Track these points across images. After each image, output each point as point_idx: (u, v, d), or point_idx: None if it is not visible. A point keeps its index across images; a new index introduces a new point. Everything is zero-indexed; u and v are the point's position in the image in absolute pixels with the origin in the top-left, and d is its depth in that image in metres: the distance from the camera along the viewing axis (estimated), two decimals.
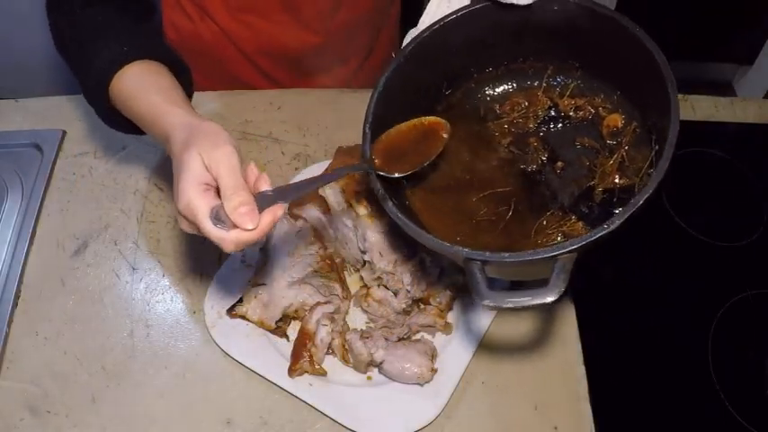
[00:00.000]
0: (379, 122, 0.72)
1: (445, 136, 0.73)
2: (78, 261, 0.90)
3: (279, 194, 0.60)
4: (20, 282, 0.88)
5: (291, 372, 0.78)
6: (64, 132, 1.03)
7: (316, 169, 0.94)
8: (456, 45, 0.77)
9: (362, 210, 0.79)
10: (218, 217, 0.57)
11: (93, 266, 0.90)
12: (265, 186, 0.61)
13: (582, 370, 0.81)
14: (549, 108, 0.79)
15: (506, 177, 0.77)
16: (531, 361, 0.82)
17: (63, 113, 1.05)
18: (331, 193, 0.82)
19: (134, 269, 0.90)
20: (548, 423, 0.78)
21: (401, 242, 0.80)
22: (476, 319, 0.82)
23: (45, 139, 1.01)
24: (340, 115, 1.05)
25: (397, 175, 0.70)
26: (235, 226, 0.57)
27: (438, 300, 0.82)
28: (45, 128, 1.03)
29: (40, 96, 1.09)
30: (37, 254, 0.91)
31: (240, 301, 0.82)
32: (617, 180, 0.73)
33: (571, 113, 0.79)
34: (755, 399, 0.81)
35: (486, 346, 0.82)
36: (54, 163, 0.99)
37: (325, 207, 0.85)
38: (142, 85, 0.71)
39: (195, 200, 0.58)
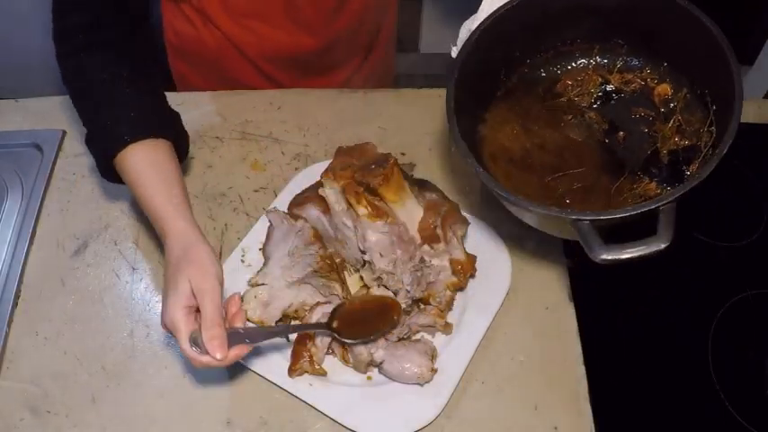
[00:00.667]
0: (459, 109, 0.77)
1: (396, 318, 0.79)
2: (78, 261, 0.90)
3: (248, 334, 0.71)
4: (20, 282, 0.88)
5: (291, 372, 0.78)
6: (64, 132, 1.03)
7: (316, 169, 0.94)
8: (512, 32, 0.82)
9: (362, 210, 0.79)
10: (195, 341, 0.68)
11: (93, 266, 0.90)
12: (239, 323, 0.71)
13: (582, 370, 0.81)
14: (602, 84, 0.86)
15: (575, 151, 0.83)
16: (531, 361, 0.82)
17: (63, 113, 1.05)
18: (331, 192, 0.82)
19: (134, 269, 0.90)
20: (548, 423, 0.78)
21: (401, 242, 0.80)
22: (476, 319, 0.82)
23: (45, 139, 1.01)
24: (340, 115, 1.05)
25: (347, 340, 0.77)
26: (207, 350, 0.67)
27: (438, 300, 0.82)
28: (45, 128, 1.04)
29: (40, 96, 1.09)
30: (37, 254, 0.91)
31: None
32: (678, 141, 0.80)
33: (623, 87, 0.85)
34: (755, 399, 0.81)
35: (486, 346, 0.82)
36: (54, 163, 0.99)
37: (325, 207, 0.85)
38: (146, 176, 0.78)
39: (179, 322, 0.69)
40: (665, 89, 0.83)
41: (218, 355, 0.67)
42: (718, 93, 0.74)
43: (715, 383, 0.81)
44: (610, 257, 0.65)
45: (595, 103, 0.86)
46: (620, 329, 0.86)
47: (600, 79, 0.86)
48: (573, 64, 0.88)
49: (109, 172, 0.82)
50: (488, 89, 0.87)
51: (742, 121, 1.12)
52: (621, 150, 0.82)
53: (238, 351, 0.69)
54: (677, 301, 0.88)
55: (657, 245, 0.64)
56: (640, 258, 0.65)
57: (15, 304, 0.86)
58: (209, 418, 0.78)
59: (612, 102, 0.86)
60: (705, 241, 0.94)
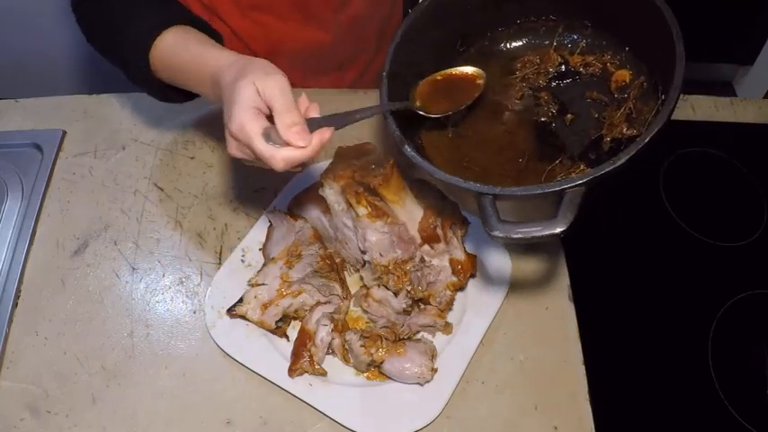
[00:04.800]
0: (395, 75, 0.77)
1: (480, 82, 0.79)
2: (78, 261, 0.90)
3: (327, 120, 0.65)
4: (20, 282, 0.88)
5: (291, 372, 0.78)
6: (64, 132, 1.03)
7: (316, 169, 0.94)
8: (471, 3, 0.81)
9: (362, 210, 0.79)
10: (270, 138, 0.61)
11: (93, 266, 0.90)
12: (314, 114, 0.65)
13: (582, 370, 0.81)
14: (560, 65, 0.84)
15: (518, 129, 0.82)
16: (531, 361, 0.82)
17: (63, 113, 1.05)
18: (331, 192, 0.82)
19: (134, 269, 0.90)
20: (548, 423, 0.78)
21: (401, 242, 0.80)
22: (476, 319, 0.82)
23: (45, 139, 1.01)
24: None
25: (434, 114, 0.77)
26: (287, 145, 0.61)
27: (438, 300, 0.82)
28: (45, 128, 1.03)
29: (40, 96, 1.09)
30: (37, 254, 0.91)
31: (240, 301, 0.82)
32: (624, 130, 0.77)
33: (581, 69, 0.83)
34: (755, 399, 0.81)
35: (487, 346, 0.82)
36: (54, 163, 0.99)
37: (325, 207, 0.85)
38: (183, 42, 0.74)
39: (249, 122, 0.62)
40: (623, 75, 0.81)
41: (301, 142, 0.61)
42: (668, 83, 0.72)
43: (715, 383, 0.81)
44: (502, 235, 0.63)
45: (551, 82, 0.84)
46: (620, 329, 0.86)
47: (560, 59, 0.85)
48: (535, 41, 0.86)
49: (159, 87, 0.79)
50: (440, 60, 0.84)
51: (741, 121, 1.12)
52: (566, 133, 0.80)
53: (320, 137, 0.63)
54: (677, 301, 0.88)
55: (553, 228, 0.62)
56: (534, 240, 0.63)
57: (15, 304, 0.86)
58: (209, 418, 0.78)
59: (568, 83, 0.83)
60: (705, 241, 0.94)
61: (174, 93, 0.82)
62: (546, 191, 0.64)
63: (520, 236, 0.62)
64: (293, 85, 1.12)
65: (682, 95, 1.08)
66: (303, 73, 1.11)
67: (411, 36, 0.78)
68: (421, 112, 0.76)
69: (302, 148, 0.62)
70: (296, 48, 1.06)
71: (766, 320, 0.87)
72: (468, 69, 0.81)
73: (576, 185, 0.63)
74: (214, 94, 0.70)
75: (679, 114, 1.08)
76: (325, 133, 0.64)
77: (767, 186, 1.00)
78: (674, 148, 1.03)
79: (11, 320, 0.85)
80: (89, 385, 0.80)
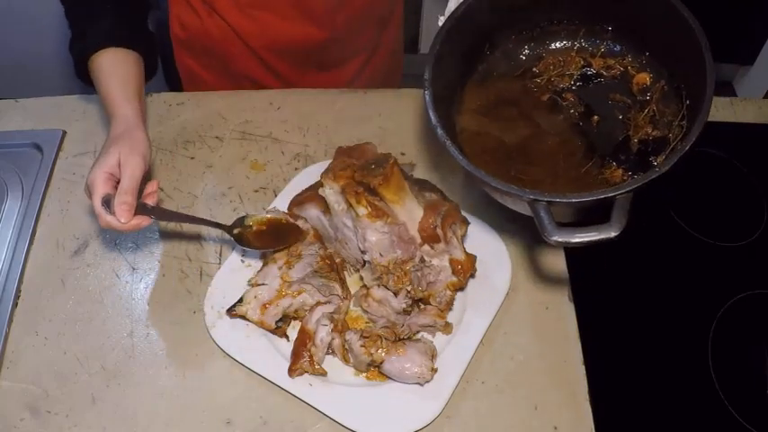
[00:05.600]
0: (434, 82, 0.80)
1: (301, 226, 0.87)
2: (78, 261, 0.90)
3: (154, 211, 0.80)
4: (20, 282, 0.88)
5: (291, 372, 0.78)
6: (64, 132, 1.03)
7: (316, 169, 0.94)
8: (501, 7, 0.85)
9: (362, 210, 0.79)
10: (108, 202, 0.77)
11: (93, 266, 0.90)
12: (150, 201, 0.80)
13: (582, 370, 0.81)
14: (583, 67, 0.88)
15: (548, 131, 0.84)
16: (531, 361, 0.82)
17: (63, 113, 1.05)
18: (331, 193, 0.82)
19: (134, 269, 0.90)
20: (548, 423, 0.78)
21: (401, 242, 0.80)
22: (476, 319, 0.82)
23: (45, 139, 1.01)
24: (340, 115, 1.05)
25: (247, 249, 0.87)
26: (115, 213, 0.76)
27: (438, 300, 0.82)
28: (45, 128, 1.04)
29: (40, 96, 1.09)
30: (37, 254, 0.91)
31: (240, 301, 0.82)
32: (650, 131, 0.81)
33: (603, 72, 0.87)
34: (755, 399, 0.81)
35: (487, 346, 0.82)
36: (54, 163, 0.99)
37: (325, 207, 0.85)
38: (108, 73, 0.88)
39: (97, 181, 0.78)
40: (643, 78, 0.85)
41: (123, 219, 0.76)
42: (694, 89, 0.76)
43: (715, 383, 0.81)
44: (561, 240, 0.67)
45: (574, 85, 0.87)
46: (620, 329, 0.86)
47: (582, 62, 0.88)
48: (557, 44, 0.90)
49: (83, 74, 0.91)
50: (470, 64, 0.89)
51: (741, 121, 1.12)
52: (594, 134, 0.84)
53: (139, 221, 0.78)
54: (677, 301, 0.88)
55: (608, 232, 0.66)
56: (590, 244, 0.67)
57: (15, 304, 0.86)
58: (209, 418, 0.78)
59: (591, 85, 0.87)
60: (705, 241, 0.94)
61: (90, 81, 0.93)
62: (597, 197, 0.68)
63: (578, 240, 0.66)
64: (289, 80, 1.12)
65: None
66: (300, 69, 1.11)
67: (446, 46, 0.81)
68: (242, 245, 0.85)
69: (121, 223, 0.76)
70: (293, 45, 1.06)
71: (766, 320, 0.87)
72: (298, 222, 0.88)
73: (626, 192, 0.68)
74: (110, 125, 0.85)
75: None
76: (145, 220, 0.78)
77: (767, 186, 1.00)
78: None
79: (11, 320, 0.85)
80: (89, 385, 0.80)
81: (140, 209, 0.78)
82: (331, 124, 1.04)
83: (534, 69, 0.89)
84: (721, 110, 1.08)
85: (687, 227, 0.95)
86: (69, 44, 0.92)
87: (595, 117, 0.84)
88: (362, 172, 0.80)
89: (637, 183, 0.68)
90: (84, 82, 0.92)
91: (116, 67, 0.88)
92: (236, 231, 0.85)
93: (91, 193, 0.78)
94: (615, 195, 0.68)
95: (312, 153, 1.01)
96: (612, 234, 0.66)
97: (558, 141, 0.84)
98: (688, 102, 0.79)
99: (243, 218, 0.86)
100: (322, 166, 0.93)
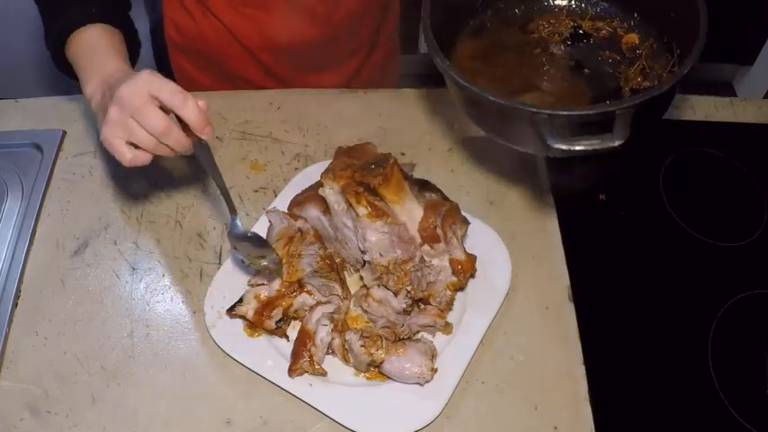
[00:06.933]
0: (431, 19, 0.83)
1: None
2: (78, 261, 0.90)
3: (200, 149, 0.71)
4: (20, 282, 0.88)
5: (291, 372, 0.78)
6: (64, 132, 1.03)
7: (316, 169, 0.94)
8: None
9: (362, 210, 0.79)
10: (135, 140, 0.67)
11: (93, 266, 0.90)
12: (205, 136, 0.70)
13: (582, 370, 0.81)
14: (573, 28, 0.92)
15: (540, 79, 0.88)
16: (531, 361, 0.82)
17: (63, 113, 1.05)
18: (331, 192, 0.82)
19: (134, 269, 0.90)
20: (548, 423, 0.78)
21: (401, 242, 0.80)
22: (476, 319, 0.82)
23: (45, 139, 1.01)
24: (340, 115, 1.05)
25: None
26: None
27: (438, 300, 0.82)
28: (45, 128, 1.04)
29: (40, 96, 1.09)
30: (37, 254, 0.91)
31: (240, 301, 0.82)
32: (641, 81, 0.84)
33: (593, 33, 0.92)
34: (755, 399, 0.81)
35: (487, 346, 0.82)
36: (54, 163, 0.99)
37: (325, 207, 0.85)
38: (95, 42, 0.80)
39: (156, 77, 0.67)
40: (632, 38, 0.88)
41: (208, 129, 0.68)
42: (684, 38, 0.78)
43: (715, 383, 0.81)
44: (564, 147, 0.68)
45: (564, 43, 0.91)
46: (620, 329, 0.86)
47: (571, 23, 0.92)
48: (548, 3, 0.95)
49: (63, 63, 0.83)
50: (461, 19, 0.92)
51: (741, 121, 1.12)
52: (585, 83, 0.87)
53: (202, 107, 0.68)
54: (677, 301, 0.88)
55: (611, 141, 0.67)
56: (594, 152, 0.67)
57: (15, 304, 0.86)
58: (209, 418, 0.78)
59: (581, 45, 0.90)
60: (705, 241, 0.94)
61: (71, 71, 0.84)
62: (600, 110, 0.69)
63: (581, 148, 0.67)
64: (284, 80, 1.12)
65: (682, 95, 1.09)
66: (297, 70, 1.10)
67: None
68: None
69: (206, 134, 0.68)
70: (289, 44, 1.06)
71: (766, 320, 0.87)
72: None
73: (628, 107, 0.68)
74: (94, 90, 0.75)
75: (679, 114, 1.08)
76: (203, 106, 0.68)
77: (767, 186, 1.00)
78: (674, 148, 1.03)
79: (11, 320, 0.85)
80: (89, 385, 0.80)
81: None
82: (331, 124, 1.04)
83: (525, 28, 0.93)
84: (721, 110, 1.08)
85: (687, 227, 0.95)
86: (45, 33, 0.84)
87: (586, 70, 0.88)
88: (362, 172, 0.80)
89: (638, 98, 0.69)
90: (66, 72, 0.85)
91: (101, 38, 0.80)
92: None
93: (156, 91, 0.66)
94: (616, 110, 0.68)
95: (312, 153, 1.01)
96: (616, 143, 0.66)
97: (551, 87, 0.87)
98: (678, 51, 0.82)
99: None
100: (322, 166, 0.93)
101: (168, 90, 0.66)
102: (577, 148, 0.67)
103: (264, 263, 0.79)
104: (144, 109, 0.66)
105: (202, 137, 0.69)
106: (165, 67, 1.11)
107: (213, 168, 0.76)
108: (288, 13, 1.01)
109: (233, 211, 0.80)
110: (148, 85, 0.66)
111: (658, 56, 0.86)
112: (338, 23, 1.06)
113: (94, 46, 0.79)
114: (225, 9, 1.01)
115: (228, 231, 0.81)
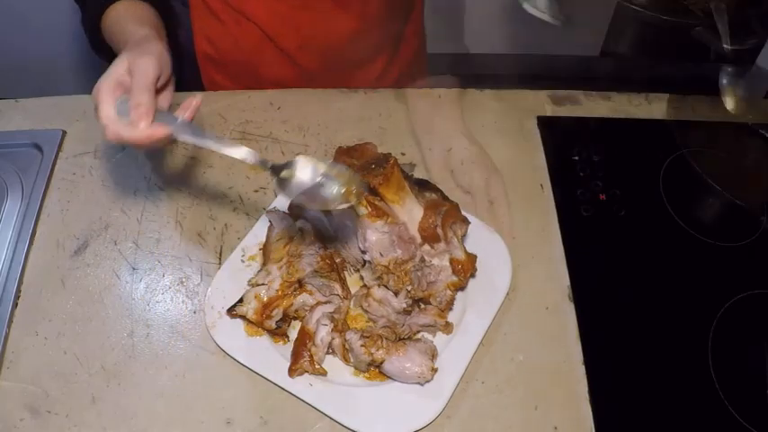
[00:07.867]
0: None
1: None
2: (78, 261, 0.90)
3: (180, 127, 0.67)
4: (20, 282, 0.88)
5: (291, 372, 0.78)
6: (64, 132, 1.03)
7: None
8: None
9: (362, 210, 0.79)
10: (121, 110, 0.65)
11: (93, 266, 0.90)
12: (165, 104, 0.70)
13: (582, 370, 0.81)
14: None
15: None
16: (531, 361, 0.82)
17: (63, 113, 1.05)
18: None
19: (134, 269, 0.90)
20: (548, 423, 0.78)
21: (401, 242, 0.80)
22: (476, 319, 0.82)
23: (45, 139, 1.01)
24: (340, 115, 1.05)
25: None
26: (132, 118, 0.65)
27: (438, 299, 0.82)
28: (45, 128, 1.03)
29: (39, 96, 1.09)
30: (37, 254, 0.91)
31: (240, 301, 0.82)
32: None
33: None
34: (755, 399, 0.81)
35: (486, 346, 0.82)
36: (54, 163, 0.99)
37: None
38: (126, 15, 0.85)
39: (103, 91, 0.68)
40: None
41: (142, 124, 0.65)
42: None
43: (715, 383, 0.81)
44: None
45: None
46: (620, 329, 0.86)
47: None
48: None
49: (99, 43, 0.89)
50: None
51: (741, 121, 1.12)
52: None
53: (153, 130, 0.66)
54: (677, 300, 0.88)
55: None
56: None
57: (15, 304, 0.86)
58: (209, 418, 0.78)
59: None
60: (705, 241, 0.94)
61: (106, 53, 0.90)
62: None
63: None
64: (316, 80, 1.09)
65: (682, 96, 1.09)
66: (331, 68, 1.10)
67: None
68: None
69: (134, 128, 0.65)
70: (325, 41, 1.06)
71: (766, 320, 0.87)
72: None
73: None
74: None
75: (679, 114, 1.08)
76: (158, 129, 0.66)
77: (767, 186, 1.00)
78: (674, 148, 1.03)
79: (11, 320, 0.85)
80: (89, 385, 0.80)
81: (165, 118, 0.66)
82: (331, 124, 1.04)
83: None
84: (721, 110, 1.08)
85: (687, 227, 0.95)
86: (81, 17, 0.91)
87: None
88: (362, 172, 0.80)
89: None
90: (101, 54, 0.90)
91: (133, 10, 0.86)
92: (283, 174, 0.70)
93: (96, 103, 0.67)
94: None
95: (312, 153, 1.01)
96: None
97: None
98: None
99: (292, 162, 0.71)
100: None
101: (103, 108, 0.68)
102: None
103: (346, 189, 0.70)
104: (97, 111, 0.69)
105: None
106: (186, 82, 1.11)
107: (209, 141, 0.70)
108: (325, 8, 1.02)
109: (265, 165, 0.70)
110: (100, 92, 0.69)
111: None
112: (371, 17, 1.06)
113: (124, 17, 0.85)
114: (261, 12, 1.01)
115: (280, 188, 0.70)
